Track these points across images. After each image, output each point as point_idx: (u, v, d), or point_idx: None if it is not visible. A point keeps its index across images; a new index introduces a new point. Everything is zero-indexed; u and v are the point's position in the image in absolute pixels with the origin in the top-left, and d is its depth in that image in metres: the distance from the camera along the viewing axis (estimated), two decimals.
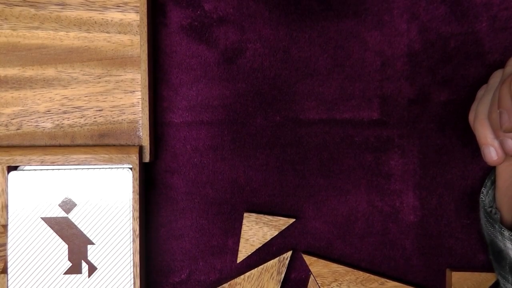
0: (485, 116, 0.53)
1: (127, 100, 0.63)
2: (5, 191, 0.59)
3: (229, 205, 0.65)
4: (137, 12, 0.62)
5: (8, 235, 0.59)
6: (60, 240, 0.60)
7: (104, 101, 0.62)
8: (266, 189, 0.65)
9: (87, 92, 0.62)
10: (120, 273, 0.60)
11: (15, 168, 0.60)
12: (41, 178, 0.60)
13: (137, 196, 0.60)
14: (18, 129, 0.62)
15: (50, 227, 0.60)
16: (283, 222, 0.64)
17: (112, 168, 0.60)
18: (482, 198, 0.59)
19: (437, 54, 0.64)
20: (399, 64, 0.64)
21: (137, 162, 0.59)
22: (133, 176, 0.60)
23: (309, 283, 0.65)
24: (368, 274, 0.64)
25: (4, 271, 0.60)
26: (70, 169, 0.60)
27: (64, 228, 0.60)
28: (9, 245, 0.59)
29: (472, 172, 0.64)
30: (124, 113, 0.62)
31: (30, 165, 0.60)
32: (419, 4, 0.64)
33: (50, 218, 0.60)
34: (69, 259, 0.60)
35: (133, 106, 0.62)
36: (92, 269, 0.60)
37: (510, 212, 0.56)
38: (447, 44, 0.64)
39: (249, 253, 0.64)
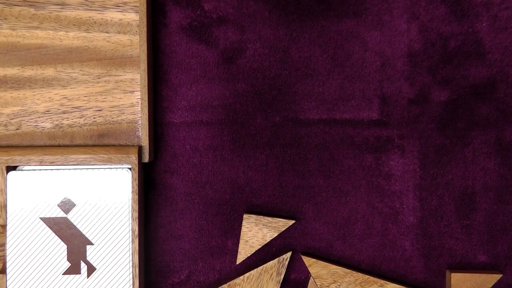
0: None
1: (127, 100, 0.62)
2: (4, 191, 0.59)
3: (229, 205, 0.65)
4: (137, 12, 0.62)
5: (7, 235, 0.59)
6: (59, 240, 0.59)
7: (103, 101, 0.62)
8: (265, 190, 0.65)
9: (86, 92, 0.62)
10: (119, 274, 0.60)
11: (14, 168, 0.60)
12: (40, 178, 0.59)
13: (136, 197, 0.59)
14: (17, 129, 0.62)
15: (49, 227, 0.59)
16: (283, 224, 0.64)
17: (111, 168, 0.60)
18: None
19: (437, 54, 0.64)
20: (399, 64, 0.64)
21: (136, 162, 0.59)
22: (132, 176, 0.60)
23: (308, 285, 0.64)
24: (367, 276, 0.64)
25: (3, 271, 0.60)
26: (69, 169, 0.60)
27: (63, 228, 0.60)
28: (8, 245, 0.59)
29: (472, 172, 0.64)
30: (123, 113, 0.62)
31: (29, 165, 0.60)
32: (419, 4, 0.64)
33: (49, 218, 0.59)
34: (68, 260, 0.59)
35: (133, 106, 0.62)
36: (91, 269, 0.60)
37: None
38: (447, 44, 0.64)
39: (249, 255, 0.64)
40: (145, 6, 0.61)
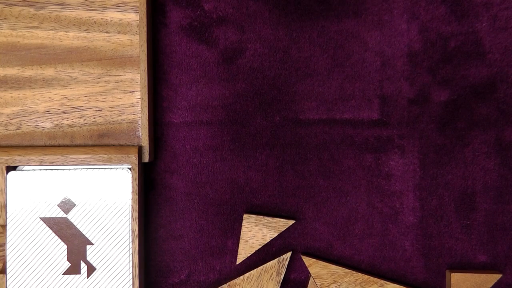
0: None
1: (127, 100, 0.62)
2: (4, 191, 0.59)
3: (229, 205, 0.65)
4: (137, 12, 0.62)
5: (7, 235, 0.59)
6: (59, 240, 0.59)
7: (103, 101, 0.62)
8: (265, 190, 0.65)
9: (86, 92, 0.62)
10: (119, 274, 0.60)
11: (14, 168, 0.60)
12: (40, 178, 0.59)
13: (136, 197, 0.59)
14: (17, 129, 0.62)
15: (49, 227, 0.59)
16: (283, 224, 0.64)
17: (111, 168, 0.60)
18: None
19: (437, 54, 0.64)
20: (399, 64, 0.64)
21: (136, 162, 0.59)
22: (132, 176, 0.60)
23: (308, 285, 0.64)
24: (367, 276, 0.64)
25: (3, 271, 0.60)
26: (69, 169, 0.60)
27: (63, 228, 0.60)
28: (8, 245, 0.59)
29: (472, 172, 0.64)
30: (123, 113, 0.62)
31: (29, 165, 0.60)
32: (419, 4, 0.64)
33: (49, 218, 0.59)
34: (68, 260, 0.59)
35: (133, 106, 0.62)
36: (91, 269, 0.60)
37: None
38: (447, 44, 0.64)
39: (249, 255, 0.64)
40: (145, 6, 0.61)
